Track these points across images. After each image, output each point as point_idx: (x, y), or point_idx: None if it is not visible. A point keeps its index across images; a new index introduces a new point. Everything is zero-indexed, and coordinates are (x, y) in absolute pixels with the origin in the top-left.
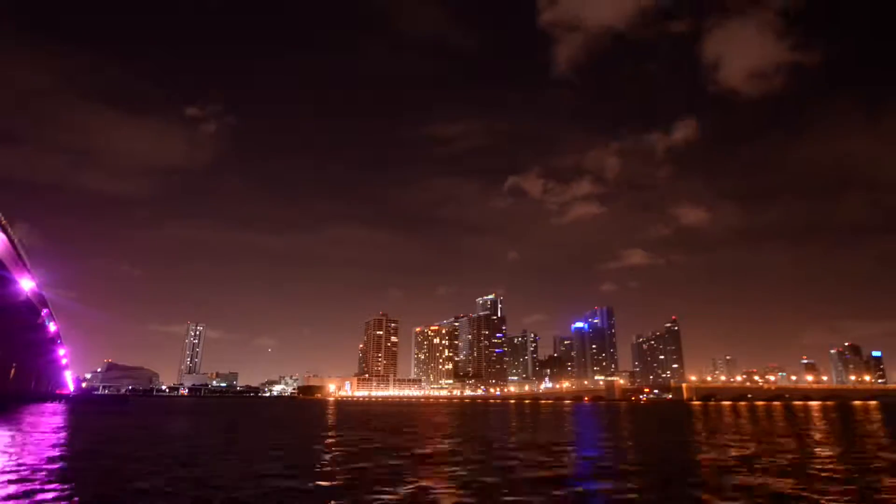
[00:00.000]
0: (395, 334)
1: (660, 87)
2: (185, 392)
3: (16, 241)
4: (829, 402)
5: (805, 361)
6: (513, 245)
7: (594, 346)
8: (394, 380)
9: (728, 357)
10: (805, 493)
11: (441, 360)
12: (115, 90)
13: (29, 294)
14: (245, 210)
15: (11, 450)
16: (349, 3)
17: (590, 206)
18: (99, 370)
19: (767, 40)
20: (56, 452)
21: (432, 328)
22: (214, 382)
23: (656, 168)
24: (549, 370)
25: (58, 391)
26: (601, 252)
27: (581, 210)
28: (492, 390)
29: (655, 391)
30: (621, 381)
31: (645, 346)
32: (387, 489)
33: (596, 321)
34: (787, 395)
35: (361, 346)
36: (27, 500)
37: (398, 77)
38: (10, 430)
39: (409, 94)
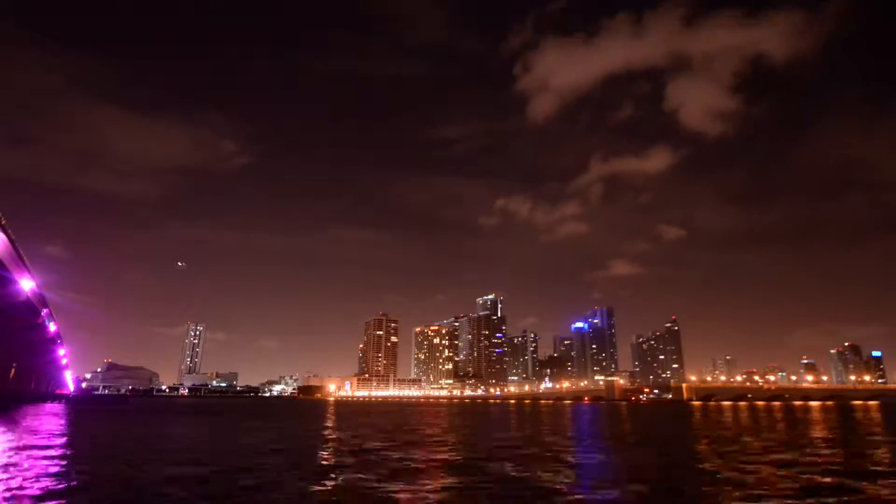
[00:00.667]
0: (395, 334)
1: (633, 124)
2: (185, 392)
3: (15, 240)
4: (829, 402)
5: (805, 361)
6: (503, 261)
7: (594, 346)
8: (394, 380)
9: (728, 357)
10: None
11: (441, 360)
12: (122, 91)
13: (29, 294)
14: (246, 211)
15: (11, 450)
16: (352, 6)
17: (577, 225)
18: (99, 370)
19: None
20: (55, 452)
21: (432, 328)
22: (214, 382)
23: (637, 194)
24: (549, 370)
25: (58, 391)
26: (589, 262)
27: (568, 228)
28: (492, 390)
29: (655, 391)
30: (621, 381)
31: (645, 346)
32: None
33: (596, 321)
34: (787, 395)
35: (361, 346)
36: (27, 500)
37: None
38: (10, 430)
39: (412, 96)
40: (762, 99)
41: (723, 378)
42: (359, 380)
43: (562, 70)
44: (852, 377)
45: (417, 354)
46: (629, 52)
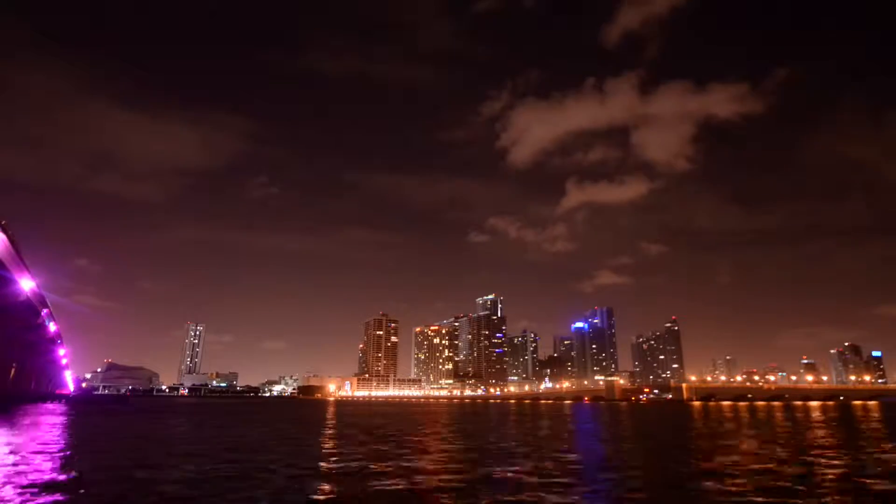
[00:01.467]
0: (395, 334)
1: (606, 162)
2: (185, 392)
3: (16, 240)
4: (829, 402)
5: (805, 361)
6: (500, 267)
7: (594, 346)
8: (394, 380)
9: (728, 357)
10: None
11: (441, 360)
12: (130, 93)
13: (29, 294)
14: (247, 212)
15: (11, 450)
16: (360, 10)
17: (564, 244)
18: (99, 370)
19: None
20: (55, 452)
21: (432, 328)
22: (214, 382)
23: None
24: (549, 370)
25: (58, 391)
26: (575, 275)
27: (556, 247)
28: (492, 390)
29: (655, 391)
30: (621, 381)
31: (645, 346)
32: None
33: (596, 321)
34: (787, 395)
35: (361, 346)
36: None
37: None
38: (9, 430)
39: (419, 100)
40: (719, 147)
41: (723, 378)
42: (359, 380)
43: (536, 127)
44: (852, 377)
45: (417, 354)
46: (596, 111)
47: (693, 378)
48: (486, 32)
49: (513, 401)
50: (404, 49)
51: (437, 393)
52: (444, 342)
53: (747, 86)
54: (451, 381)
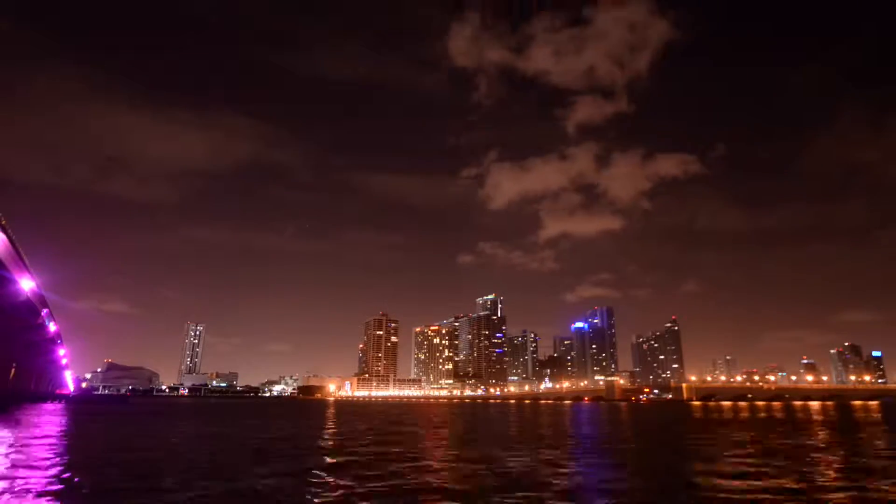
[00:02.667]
0: (395, 334)
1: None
2: (185, 392)
3: (16, 240)
4: (829, 403)
5: (805, 361)
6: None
7: (594, 346)
8: (394, 380)
9: (728, 357)
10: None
11: (441, 360)
12: (141, 97)
13: (29, 294)
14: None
15: (11, 450)
16: (367, 16)
17: (550, 265)
18: (99, 370)
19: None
20: (55, 452)
21: (432, 328)
22: (214, 382)
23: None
24: (549, 370)
25: (58, 391)
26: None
27: (544, 266)
28: (492, 390)
29: (655, 391)
30: (621, 381)
31: (645, 346)
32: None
33: (596, 321)
34: (787, 396)
35: (361, 346)
36: (26, 501)
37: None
38: (9, 430)
39: (425, 105)
40: (674, 200)
41: (723, 378)
42: (359, 380)
43: (509, 186)
44: (852, 377)
45: (417, 354)
46: (560, 174)
47: (693, 378)
48: (473, 119)
49: (513, 401)
50: (412, 55)
51: (436, 393)
52: (444, 342)
53: (692, 157)
54: (451, 382)
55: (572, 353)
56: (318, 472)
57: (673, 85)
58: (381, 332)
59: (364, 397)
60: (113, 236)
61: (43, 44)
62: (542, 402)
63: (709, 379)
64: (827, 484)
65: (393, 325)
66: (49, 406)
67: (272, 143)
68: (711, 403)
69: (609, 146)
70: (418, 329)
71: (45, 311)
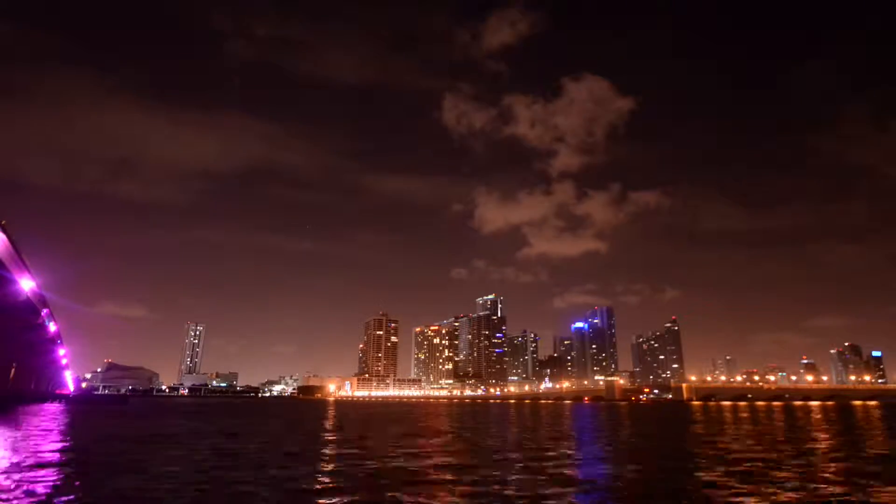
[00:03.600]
0: (395, 334)
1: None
2: (185, 392)
3: (16, 240)
4: (829, 403)
5: (805, 361)
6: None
7: (594, 346)
8: (394, 380)
9: (728, 357)
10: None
11: (441, 360)
12: (151, 98)
13: (29, 294)
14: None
15: (11, 450)
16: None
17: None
18: (99, 370)
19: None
20: (55, 452)
21: (432, 328)
22: (214, 382)
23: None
24: (549, 370)
25: (58, 391)
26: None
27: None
28: (492, 390)
29: (655, 391)
30: (621, 381)
31: (645, 346)
32: None
33: (596, 321)
34: (787, 395)
35: (361, 346)
36: (26, 500)
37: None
38: (9, 430)
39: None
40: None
41: (723, 378)
42: (359, 380)
43: (496, 217)
44: (852, 377)
45: (417, 354)
46: (543, 207)
47: (693, 378)
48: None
49: (513, 401)
50: (421, 60)
51: (436, 393)
52: (444, 342)
53: (661, 194)
54: (451, 381)
55: (572, 353)
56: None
57: (645, 136)
58: (381, 332)
59: (364, 397)
60: (115, 237)
61: (51, 46)
62: (542, 402)
63: (709, 379)
64: (827, 483)
65: (393, 325)
66: (49, 406)
67: (278, 146)
68: (711, 403)
69: (588, 186)
70: (418, 329)
71: (45, 311)
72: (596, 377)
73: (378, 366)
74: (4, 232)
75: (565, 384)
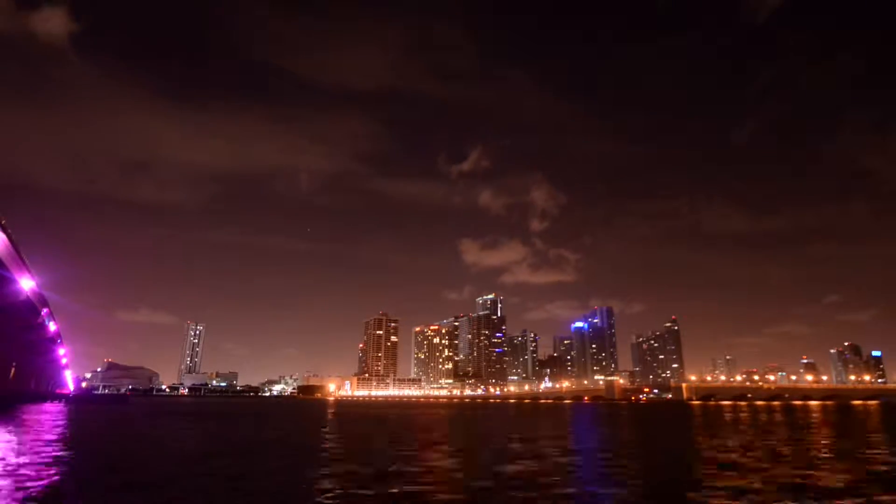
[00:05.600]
0: (395, 334)
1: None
2: (185, 392)
3: (15, 240)
4: (828, 402)
5: (805, 361)
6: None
7: (594, 346)
8: (394, 379)
9: (728, 357)
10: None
11: (441, 360)
12: (165, 100)
13: (29, 294)
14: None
15: (11, 450)
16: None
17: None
18: (99, 370)
19: None
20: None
21: (432, 328)
22: (214, 382)
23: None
24: (549, 370)
25: (58, 391)
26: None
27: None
28: (492, 390)
29: (655, 391)
30: (621, 381)
31: (645, 346)
32: None
33: (596, 321)
34: (786, 395)
35: (361, 345)
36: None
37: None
38: (9, 430)
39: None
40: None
41: (723, 378)
42: (359, 379)
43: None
44: (852, 377)
45: (417, 354)
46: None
47: (693, 378)
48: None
49: (512, 400)
50: (431, 67)
51: (436, 393)
52: (443, 342)
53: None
54: (450, 381)
55: (572, 353)
56: None
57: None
58: (380, 332)
59: (364, 397)
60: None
61: (64, 48)
62: (542, 401)
63: (709, 379)
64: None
65: (393, 324)
66: (49, 406)
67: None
68: (711, 403)
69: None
70: (418, 329)
71: (45, 310)
72: (596, 377)
73: (378, 365)
74: (4, 231)
75: (565, 384)
